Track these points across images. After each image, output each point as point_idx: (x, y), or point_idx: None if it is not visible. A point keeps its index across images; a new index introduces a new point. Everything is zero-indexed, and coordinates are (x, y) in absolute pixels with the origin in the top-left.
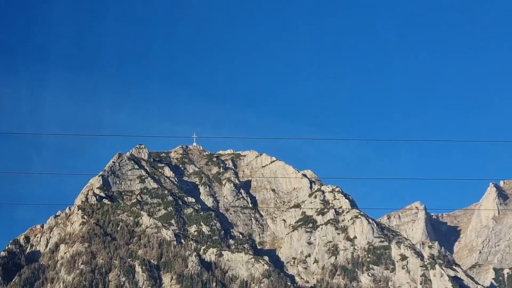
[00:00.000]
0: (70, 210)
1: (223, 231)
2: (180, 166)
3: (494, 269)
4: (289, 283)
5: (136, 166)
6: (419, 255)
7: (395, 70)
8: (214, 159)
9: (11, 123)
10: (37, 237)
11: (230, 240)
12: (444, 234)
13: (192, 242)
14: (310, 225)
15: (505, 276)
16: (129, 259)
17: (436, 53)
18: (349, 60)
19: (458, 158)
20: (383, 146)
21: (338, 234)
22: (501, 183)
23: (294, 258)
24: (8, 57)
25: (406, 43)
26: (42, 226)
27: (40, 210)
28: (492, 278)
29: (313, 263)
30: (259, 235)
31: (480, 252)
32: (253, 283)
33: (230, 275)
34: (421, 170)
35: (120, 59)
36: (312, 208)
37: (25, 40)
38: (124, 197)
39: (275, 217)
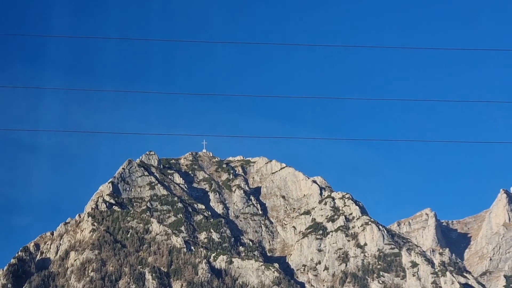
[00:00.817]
0: (80, 217)
1: (233, 238)
2: (190, 172)
3: (505, 276)
4: None
5: (146, 173)
6: (430, 262)
7: (404, 71)
8: (224, 165)
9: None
10: (47, 244)
11: (240, 247)
12: (454, 241)
13: (202, 249)
14: (320, 232)
15: None
16: (139, 266)
17: (443, 53)
18: (362, 62)
19: (468, 163)
20: (393, 151)
21: (349, 241)
22: None
23: (304, 265)
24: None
25: (412, 43)
26: (52, 233)
27: (50, 218)
28: (503, 286)
29: (323, 270)
30: (269, 242)
31: (490, 259)
32: None
33: (240, 282)
34: (431, 176)
35: (126, 64)
36: (322, 215)
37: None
38: (134, 204)
39: (285, 224)
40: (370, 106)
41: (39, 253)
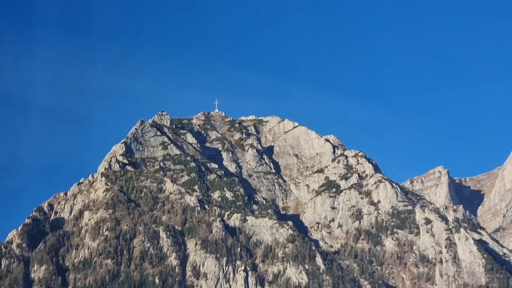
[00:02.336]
0: (93, 177)
1: (246, 197)
2: (203, 132)
3: None
4: (313, 248)
5: (158, 133)
6: (444, 218)
7: (419, 38)
8: (237, 125)
9: (30, 91)
10: (61, 204)
11: (254, 205)
12: (467, 198)
13: (215, 207)
14: (334, 190)
15: None
16: (153, 225)
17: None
18: (377, 27)
19: (480, 120)
20: (405, 109)
21: (362, 198)
22: None
23: (318, 223)
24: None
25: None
26: (66, 194)
27: (63, 179)
28: None
29: (337, 228)
30: (283, 200)
31: (504, 215)
32: (278, 248)
33: (255, 240)
34: (443, 133)
35: (138, 27)
36: (335, 173)
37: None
38: (147, 163)
39: (298, 183)
40: (385, 69)
41: (53, 213)
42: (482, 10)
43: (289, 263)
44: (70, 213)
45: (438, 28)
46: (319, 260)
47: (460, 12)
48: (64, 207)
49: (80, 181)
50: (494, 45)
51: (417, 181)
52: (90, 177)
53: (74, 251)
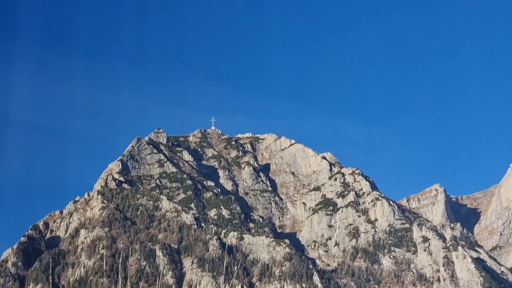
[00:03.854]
0: (89, 195)
1: (243, 215)
2: (199, 150)
3: None
4: (310, 266)
5: (155, 151)
6: (441, 236)
7: (412, 56)
8: (233, 142)
9: (26, 111)
10: (57, 222)
11: (250, 223)
12: (463, 217)
13: (212, 226)
14: (331, 207)
15: None
16: (150, 243)
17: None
18: (368, 45)
19: (477, 139)
20: (402, 128)
21: (359, 216)
22: None
23: (315, 241)
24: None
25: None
26: (61, 212)
27: (58, 197)
28: None
29: (334, 246)
30: (279, 218)
31: (501, 234)
32: (275, 266)
33: (252, 259)
34: (440, 152)
35: (138, 46)
36: (332, 191)
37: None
38: (143, 181)
39: (295, 200)
40: (380, 87)
41: (48, 231)
42: (477, 28)
43: (286, 282)
44: (66, 231)
45: (433, 46)
46: (316, 278)
47: (453, 29)
48: (59, 225)
49: (76, 199)
50: (490, 62)
51: (413, 199)
52: (86, 195)
53: (69, 269)
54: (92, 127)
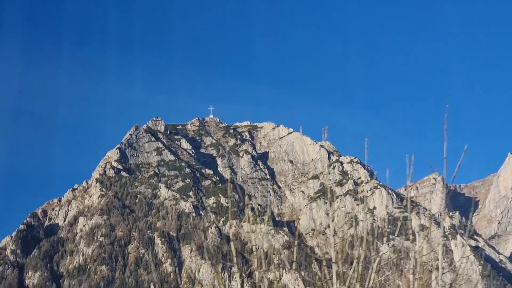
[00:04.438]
0: (87, 183)
1: (241, 203)
2: (197, 138)
3: None
4: (310, 254)
5: (153, 139)
6: (440, 225)
7: (408, 44)
8: (231, 131)
9: (23, 100)
10: (55, 210)
11: (249, 212)
12: (462, 205)
13: (211, 213)
14: (329, 196)
15: None
16: (148, 231)
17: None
18: (368, 33)
19: (476, 128)
20: (399, 115)
21: (357, 205)
22: None
23: (313, 230)
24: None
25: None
26: (60, 200)
27: (57, 185)
28: None
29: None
30: (277, 206)
31: (499, 222)
32: (274, 254)
33: (250, 246)
34: (438, 140)
35: (135, 32)
36: (330, 179)
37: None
38: (142, 169)
39: (293, 189)
40: (379, 76)
41: (47, 219)
42: (472, 21)
43: (285, 270)
44: (65, 219)
45: (431, 36)
46: (315, 267)
47: (449, 23)
48: (58, 213)
49: (74, 187)
50: (487, 51)
51: (411, 188)
52: (84, 183)
53: (68, 257)
54: (90, 115)
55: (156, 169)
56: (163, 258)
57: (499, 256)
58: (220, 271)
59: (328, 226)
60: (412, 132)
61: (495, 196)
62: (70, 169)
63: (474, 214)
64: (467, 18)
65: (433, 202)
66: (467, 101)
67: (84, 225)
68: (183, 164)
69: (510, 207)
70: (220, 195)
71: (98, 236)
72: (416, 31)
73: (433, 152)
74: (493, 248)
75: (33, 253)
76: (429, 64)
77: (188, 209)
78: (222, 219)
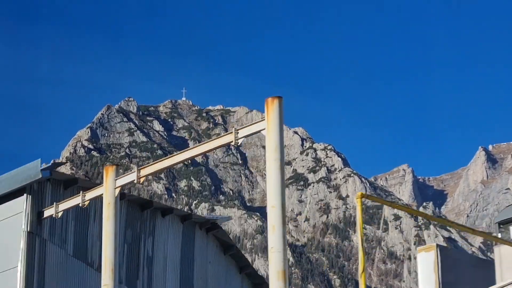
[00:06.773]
0: (55, 162)
1: (213, 187)
2: (169, 120)
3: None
4: None
5: (125, 119)
6: (413, 215)
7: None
8: (204, 114)
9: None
10: None
11: (221, 196)
12: (430, 198)
13: (183, 196)
14: (302, 183)
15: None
16: None
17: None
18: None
19: (447, 122)
20: (371, 107)
21: (330, 192)
22: (490, 147)
23: (285, 216)
24: None
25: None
26: None
27: (24, 163)
28: (481, 242)
29: (304, 221)
30: (249, 192)
31: (468, 216)
32: (246, 239)
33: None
34: (409, 133)
35: (109, 13)
36: (303, 166)
37: None
38: (113, 149)
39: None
40: (356, 66)
41: None
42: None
43: (258, 255)
44: None
45: (402, 20)
46: (288, 252)
47: (429, 20)
48: None
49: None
50: (461, 42)
51: (381, 179)
52: (52, 162)
53: None
54: (59, 96)
55: (127, 150)
56: None
57: (471, 248)
58: None
59: (300, 213)
60: (383, 122)
61: (465, 189)
62: (39, 148)
63: (442, 207)
64: (443, 22)
65: (402, 193)
66: (439, 94)
67: None
68: (155, 146)
69: (479, 200)
70: (192, 178)
71: None
72: (389, 14)
73: (404, 144)
74: (465, 240)
75: None
76: (400, 56)
77: (161, 191)
78: (195, 202)
